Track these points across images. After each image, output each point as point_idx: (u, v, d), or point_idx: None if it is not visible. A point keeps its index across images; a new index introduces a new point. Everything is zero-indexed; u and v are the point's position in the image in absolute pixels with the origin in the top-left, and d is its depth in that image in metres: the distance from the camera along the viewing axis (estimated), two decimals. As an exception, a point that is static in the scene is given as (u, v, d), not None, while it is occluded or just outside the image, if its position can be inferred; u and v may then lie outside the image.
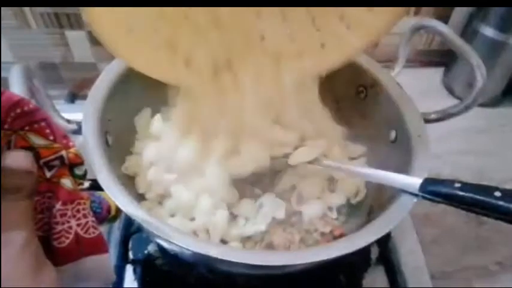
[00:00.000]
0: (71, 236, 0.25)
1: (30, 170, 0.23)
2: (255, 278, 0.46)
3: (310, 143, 0.49)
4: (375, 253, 0.52)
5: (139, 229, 0.51)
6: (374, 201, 0.49)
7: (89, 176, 0.32)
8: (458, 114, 0.47)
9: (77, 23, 0.69)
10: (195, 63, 0.41)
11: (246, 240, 0.44)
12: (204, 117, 0.44)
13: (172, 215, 0.45)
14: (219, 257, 0.32)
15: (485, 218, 0.50)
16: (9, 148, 0.23)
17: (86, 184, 0.30)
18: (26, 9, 0.66)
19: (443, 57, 0.79)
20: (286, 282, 0.47)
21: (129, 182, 0.46)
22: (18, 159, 0.22)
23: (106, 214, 0.38)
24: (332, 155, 0.50)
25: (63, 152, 0.25)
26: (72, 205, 0.26)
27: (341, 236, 0.45)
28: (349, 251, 0.34)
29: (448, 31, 0.47)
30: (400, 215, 0.37)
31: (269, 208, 0.44)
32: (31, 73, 0.39)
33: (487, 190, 0.34)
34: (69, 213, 0.26)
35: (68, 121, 0.41)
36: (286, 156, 0.46)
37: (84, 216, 0.26)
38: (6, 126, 0.22)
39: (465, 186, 0.35)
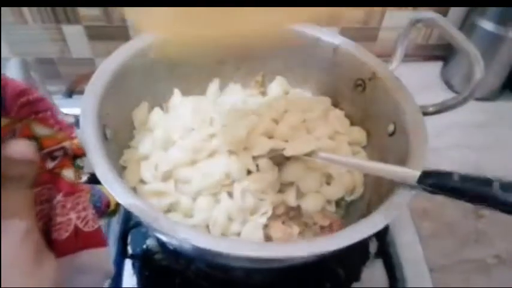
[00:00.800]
0: (70, 229, 0.25)
1: (32, 159, 0.23)
2: (254, 271, 0.46)
3: (306, 136, 0.49)
4: (373, 247, 0.52)
5: (138, 224, 0.51)
6: (373, 195, 0.49)
7: (87, 170, 0.32)
8: (456, 107, 0.46)
9: (74, 18, 0.68)
10: None
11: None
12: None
13: (169, 211, 0.45)
14: (218, 249, 0.32)
15: (483, 212, 0.50)
16: (13, 137, 0.23)
17: (84, 178, 0.30)
18: (23, 4, 0.66)
19: (441, 51, 0.79)
20: (285, 276, 0.47)
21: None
22: (20, 148, 0.22)
23: (105, 208, 0.38)
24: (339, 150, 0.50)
25: (67, 143, 0.25)
26: (73, 197, 0.26)
27: (340, 229, 0.45)
28: (347, 243, 0.34)
29: (447, 24, 0.47)
30: (398, 209, 0.37)
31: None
32: (28, 67, 0.38)
33: (486, 181, 0.34)
34: (69, 205, 0.25)
35: (66, 115, 0.40)
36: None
37: (84, 209, 0.26)
38: (12, 114, 0.22)
39: (463, 177, 0.35)
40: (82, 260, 0.26)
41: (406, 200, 0.38)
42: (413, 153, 0.42)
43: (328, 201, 0.48)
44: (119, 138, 0.46)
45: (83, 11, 0.67)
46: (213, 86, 0.55)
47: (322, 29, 0.54)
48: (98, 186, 0.36)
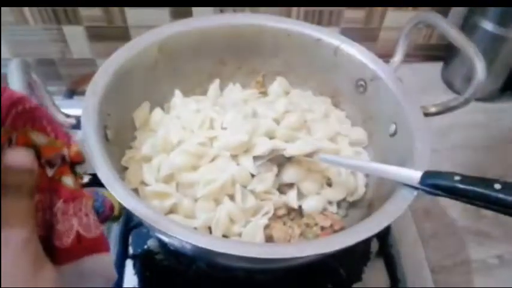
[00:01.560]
0: (72, 235, 0.25)
1: (31, 168, 0.23)
2: (255, 271, 0.46)
3: (307, 136, 0.49)
4: (374, 247, 0.52)
5: (139, 224, 0.51)
6: (374, 195, 0.49)
7: (88, 171, 0.32)
8: (458, 108, 0.47)
9: (74, 19, 0.68)
10: None
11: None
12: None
13: (171, 212, 0.45)
14: (220, 250, 0.32)
15: (484, 212, 0.50)
16: (10, 146, 0.23)
17: (86, 179, 0.30)
18: (24, 4, 0.66)
19: (442, 52, 0.79)
20: (286, 276, 0.47)
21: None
22: (19, 157, 0.22)
23: (109, 213, 0.37)
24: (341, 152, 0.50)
25: (65, 150, 0.25)
26: (74, 203, 0.26)
27: (341, 229, 0.45)
28: (349, 244, 0.34)
29: (448, 25, 0.47)
30: (399, 209, 0.37)
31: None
32: (30, 68, 0.38)
33: (487, 183, 0.34)
34: (70, 211, 0.25)
35: (67, 116, 0.41)
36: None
37: (86, 215, 0.26)
38: (7, 124, 0.22)
39: (465, 179, 0.35)
40: (85, 266, 0.26)
41: (408, 201, 0.38)
42: (415, 154, 0.42)
43: (330, 202, 0.48)
44: (120, 139, 0.46)
45: (84, 12, 0.67)
46: (214, 86, 0.55)
47: (323, 29, 0.54)
48: (100, 191, 0.35)
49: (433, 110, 0.47)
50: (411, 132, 0.45)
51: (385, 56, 0.52)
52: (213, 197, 0.43)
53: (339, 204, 0.49)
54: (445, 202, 0.61)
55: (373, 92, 0.51)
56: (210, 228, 0.43)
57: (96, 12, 0.68)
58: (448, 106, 0.47)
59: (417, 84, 0.74)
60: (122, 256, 0.49)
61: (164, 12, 0.69)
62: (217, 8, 0.69)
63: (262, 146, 0.45)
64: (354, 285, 0.49)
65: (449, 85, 0.77)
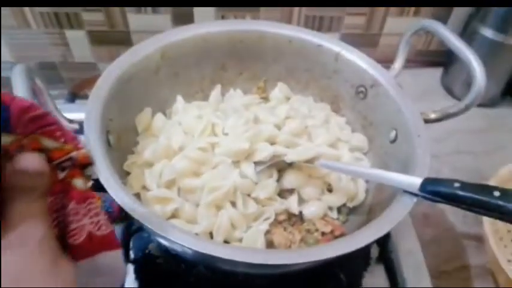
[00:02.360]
0: (85, 234, 0.26)
1: (42, 171, 0.24)
2: (256, 276, 0.46)
3: (308, 143, 0.49)
4: (374, 252, 0.52)
5: (140, 228, 0.51)
6: (374, 201, 0.49)
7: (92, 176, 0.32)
8: (458, 115, 0.47)
9: (76, 23, 0.69)
10: None
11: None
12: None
13: (173, 217, 0.45)
14: (221, 256, 0.32)
15: (484, 217, 0.50)
16: (21, 151, 0.24)
17: (89, 184, 0.30)
18: (26, 8, 0.66)
19: (442, 58, 0.79)
20: (287, 281, 0.47)
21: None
22: (30, 161, 0.23)
23: (117, 214, 0.38)
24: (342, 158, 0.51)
25: (74, 153, 0.26)
26: (84, 204, 0.27)
27: (342, 235, 0.46)
28: (349, 250, 0.34)
29: (448, 32, 0.47)
30: (400, 215, 0.38)
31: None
32: (33, 73, 0.39)
33: (487, 190, 0.34)
34: (82, 212, 0.26)
35: (70, 121, 0.41)
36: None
37: (96, 214, 0.27)
38: (18, 131, 0.23)
39: (465, 186, 0.35)
40: (98, 263, 0.27)
41: (408, 207, 0.38)
42: (415, 161, 0.43)
43: (330, 208, 0.48)
44: (122, 144, 0.46)
45: (86, 16, 0.68)
46: (215, 92, 0.55)
47: (323, 36, 0.54)
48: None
49: (433, 116, 0.48)
50: (411, 139, 0.45)
51: (385, 61, 0.53)
52: (216, 203, 0.43)
53: (339, 209, 0.49)
54: (445, 207, 0.61)
55: (373, 98, 0.52)
56: (211, 234, 0.43)
57: (98, 16, 0.68)
58: (448, 113, 0.47)
59: (417, 89, 0.75)
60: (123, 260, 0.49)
61: (166, 17, 0.69)
62: (219, 14, 0.69)
63: (264, 152, 0.46)
64: (354, 291, 0.49)
65: (449, 91, 0.77)
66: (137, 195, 0.45)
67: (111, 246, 0.27)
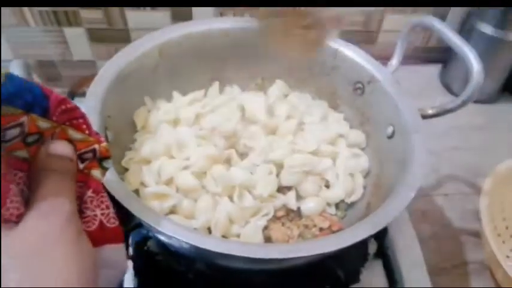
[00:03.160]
0: (97, 223, 0.27)
1: (72, 157, 0.26)
2: (254, 272, 0.47)
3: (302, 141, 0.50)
4: (372, 248, 0.52)
5: (139, 225, 0.51)
6: (372, 196, 0.49)
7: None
8: (455, 110, 0.47)
9: (75, 20, 0.69)
10: None
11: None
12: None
13: (171, 213, 0.45)
14: (219, 250, 0.32)
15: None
16: (52, 138, 0.26)
17: (105, 176, 0.31)
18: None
19: (440, 54, 0.79)
20: (284, 277, 0.47)
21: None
22: (62, 147, 0.26)
23: None
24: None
25: (96, 146, 0.28)
26: (99, 195, 0.28)
27: (339, 230, 0.46)
28: (346, 245, 0.34)
29: (446, 29, 0.47)
30: (397, 210, 0.38)
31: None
32: (30, 69, 0.39)
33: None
34: (96, 202, 0.28)
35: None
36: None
37: (107, 207, 0.28)
38: (54, 119, 0.26)
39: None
40: (105, 254, 0.27)
41: (406, 202, 0.38)
42: (412, 156, 0.43)
43: (328, 204, 0.48)
44: (120, 141, 0.46)
45: (85, 14, 0.68)
46: (213, 88, 0.55)
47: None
48: None
49: (430, 112, 0.48)
50: (409, 135, 0.45)
51: (384, 58, 0.53)
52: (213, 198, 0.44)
53: (337, 205, 0.50)
54: (443, 204, 0.61)
55: (371, 95, 0.52)
56: (209, 229, 0.44)
57: (96, 14, 0.68)
58: (445, 108, 0.47)
59: (415, 86, 0.75)
60: (122, 257, 0.49)
61: (165, 14, 0.69)
62: (218, 11, 0.69)
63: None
64: (352, 286, 0.49)
65: (448, 87, 0.77)
66: (135, 192, 0.45)
67: (117, 239, 0.28)
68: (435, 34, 0.72)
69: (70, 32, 0.70)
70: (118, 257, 0.29)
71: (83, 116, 0.27)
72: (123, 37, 0.71)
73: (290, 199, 0.47)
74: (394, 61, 0.52)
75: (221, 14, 0.70)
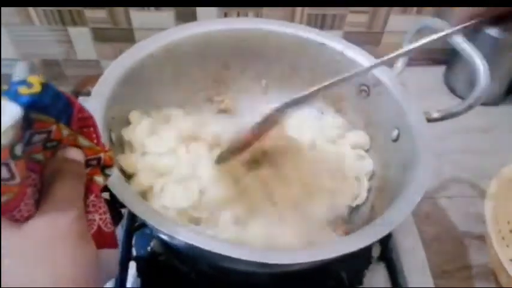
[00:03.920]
0: (95, 227, 0.28)
1: (82, 163, 0.28)
2: (258, 274, 0.47)
3: None
4: (376, 251, 0.52)
5: (143, 226, 0.51)
6: (376, 199, 0.49)
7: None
8: (461, 114, 0.47)
9: (79, 20, 0.69)
10: None
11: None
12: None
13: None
14: (224, 253, 0.33)
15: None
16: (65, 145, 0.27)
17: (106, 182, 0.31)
18: (29, 5, 0.66)
19: (445, 56, 0.79)
20: (288, 279, 0.47)
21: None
22: (77, 153, 0.27)
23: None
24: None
25: (102, 154, 0.29)
26: (99, 199, 0.29)
27: (343, 233, 0.46)
28: (352, 250, 0.34)
29: (451, 31, 0.47)
30: (402, 216, 0.38)
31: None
32: (35, 70, 0.39)
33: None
34: (97, 206, 0.28)
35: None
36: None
37: (105, 212, 0.29)
38: (73, 127, 0.27)
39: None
40: (101, 258, 0.28)
41: (411, 207, 0.38)
42: (417, 160, 0.43)
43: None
44: (123, 143, 0.46)
45: (89, 14, 0.68)
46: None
47: (327, 35, 0.54)
48: None
49: (435, 115, 0.47)
50: (414, 138, 0.45)
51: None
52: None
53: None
54: (447, 206, 0.61)
55: (375, 97, 0.52)
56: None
57: (101, 14, 0.68)
58: (450, 112, 0.47)
59: (420, 87, 0.74)
60: (125, 258, 0.49)
61: (169, 14, 0.69)
62: (222, 12, 0.69)
63: None
64: (355, 289, 0.49)
65: (452, 89, 0.77)
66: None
67: (112, 244, 0.29)
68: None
69: (74, 32, 0.70)
70: (111, 261, 0.29)
71: (94, 125, 0.28)
72: (127, 37, 0.71)
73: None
74: (399, 64, 0.52)
75: (225, 15, 0.70)
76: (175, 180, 0.45)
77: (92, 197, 0.28)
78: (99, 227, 0.28)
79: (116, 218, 0.35)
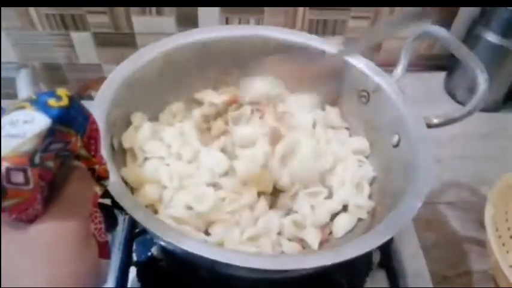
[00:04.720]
0: (92, 234, 0.28)
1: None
2: (259, 281, 0.47)
3: None
4: (376, 257, 0.52)
5: (143, 231, 0.52)
6: (378, 205, 0.49)
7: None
8: (460, 120, 0.47)
9: (82, 24, 0.69)
10: None
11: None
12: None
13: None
14: (226, 261, 0.33)
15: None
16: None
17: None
18: (31, 9, 0.67)
19: (445, 61, 0.79)
20: (288, 284, 0.47)
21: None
22: (83, 166, 0.28)
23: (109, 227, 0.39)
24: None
25: (96, 166, 0.29)
26: (95, 210, 0.29)
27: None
28: (351, 256, 0.34)
29: (451, 38, 0.47)
30: (403, 222, 0.38)
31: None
32: (38, 77, 0.39)
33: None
34: (92, 216, 0.29)
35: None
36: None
37: (100, 222, 0.29)
38: (85, 140, 0.27)
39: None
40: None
41: (412, 212, 0.38)
42: (418, 166, 0.43)
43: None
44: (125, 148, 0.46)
45: (91, 18, 0.68)
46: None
47: (327, 41, 0.54)
48: None
49: (435, 121, 0.48)
50: (414, 144, 0.45)
51: (388, 65, 0.53)
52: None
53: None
54: (447, 212, 0.61)
55: (375, 103, 0.52)
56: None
57: (103, 18, 0.69)
58: (450, 118, 0.47)
59: (420, 93, 0.75)
60: (126, 263, 0.50)
61: (170, 19, 0.69)
62: (223, 17, 0.70)
63: None
64: (355, 295, 0.49)
65: (452, 95, 0.77)
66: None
67: (105, 254, 0.29)
68: (440, 43, 0.72)
69: (76, 36, 0.71)
70: (102, 271, 0.30)
71: (96, 138, 0.28)
72: (128, 41, 0.72)
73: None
74: (399, 70, 0.52)
75: (227, 20, 0.70)
76: (187, 186, 0.45)
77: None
78: (94, 236, 0.28)
79: (113, 224, 0.35)
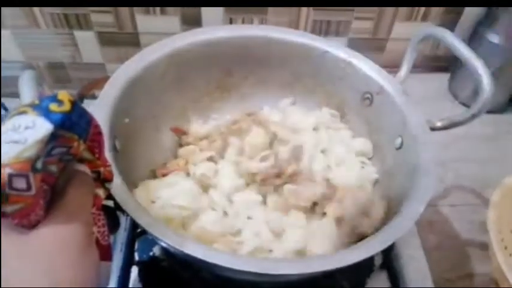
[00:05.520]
0: (94, 238, 0.28)
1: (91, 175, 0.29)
2: (259, 283, 0.47)
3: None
4: (378, 259, 0.52)
5: (145, 231, 0.51)
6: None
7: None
8: (464, 123, 0.47)
9: (85, 24, 0.69)
10: None
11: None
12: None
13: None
14: (227, 265, 0.33)
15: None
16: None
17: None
18: (35, 9, 0.67)
19: (449, 63, 0.79)
20: (289, 287, 0.48)
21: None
22: (86, 167, 0.29)
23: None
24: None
25: (101, 169, 0.29)
26: (98, 212, 0.29)
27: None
28: (354, 261, 0.34)
29: (455, 40, 0.47)
30: (406, 226, 0.38)
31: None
32: (41, 78, 0.39)
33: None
34: (96, 218, 0.29)
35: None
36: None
37: (103, 225, 0.29)
38: (87, 143, 0.27)
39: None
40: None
41: (415, 217, 0.38)
42: (421, 168, 0.43)
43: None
44: (128, 150, 0.46)
45: (95, 18, 0.68)
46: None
47: (330, 42, 0.54)
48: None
49: (439, 124, 0.47)
50: (417, 147, 0.45)
51: (392, 66, 0.53)
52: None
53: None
54: (449, 214, 0.61)
55: (379, 105, 0.52)
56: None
57: (107, 18, 0.69)
58: (454, 121, 0.47)
59: (424, 94, 0.74)
60: (128, 262, 0.50)
61: (174, 19, 0.69)
62: (227, 17, 0.70)
63: None
64: (357, 297, 0.49)
65: (456, 96, 0.77)
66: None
67: (107, 257, 0.29)
68: (444, 45, 0.72)
69: (80, 35, 0.71)
70: (105, 274, 0.30)
71: (100, 141, 0.28)
72: (132, 41, 0.72)
73: None
74: (403, 72, 0.52)
75: (231, 20, 0.70)
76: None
77: (93, 210, 0.29)
78: (96, 239, 0.28)
79: (115, 226, 0.35)
